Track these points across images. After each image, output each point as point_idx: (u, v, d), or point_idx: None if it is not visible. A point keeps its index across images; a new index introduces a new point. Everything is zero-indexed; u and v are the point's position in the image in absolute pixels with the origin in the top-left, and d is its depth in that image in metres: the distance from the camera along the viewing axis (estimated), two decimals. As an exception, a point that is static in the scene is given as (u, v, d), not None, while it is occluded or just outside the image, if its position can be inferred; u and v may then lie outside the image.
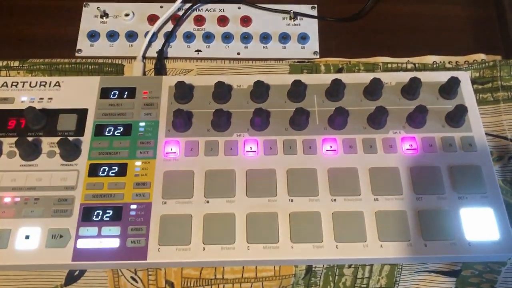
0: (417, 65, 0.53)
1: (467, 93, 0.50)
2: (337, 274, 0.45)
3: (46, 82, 0.50)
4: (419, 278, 0.45)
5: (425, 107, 0.46)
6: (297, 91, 0.49)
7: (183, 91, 0.48)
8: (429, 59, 0.54)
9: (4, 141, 0.47)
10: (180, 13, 0.57)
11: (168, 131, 0.48)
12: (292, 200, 0.44)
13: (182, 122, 0.47)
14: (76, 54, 0.55)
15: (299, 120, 0.47)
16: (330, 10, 0.58)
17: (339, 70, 0.53)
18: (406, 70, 0.53)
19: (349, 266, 0.45)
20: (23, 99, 0.49)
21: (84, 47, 0.55)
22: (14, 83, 0.50)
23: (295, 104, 0.49)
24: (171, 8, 0.56)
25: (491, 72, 0.53)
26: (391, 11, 0.58)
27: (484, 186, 0.45)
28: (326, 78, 0.50)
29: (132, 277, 0.44)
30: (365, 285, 0.45)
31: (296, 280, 0.45)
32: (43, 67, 0.53)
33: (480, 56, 0.54)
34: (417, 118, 0.47)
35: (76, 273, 0.45)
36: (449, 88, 0.49)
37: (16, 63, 0.53)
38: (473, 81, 0.52)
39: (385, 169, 0.46)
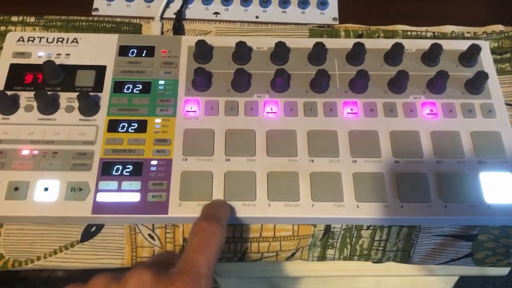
0: (436, 34, 0.53)
1: (486, 62, 0.50)
2: (354, 236, 0.45)
3: (63, 38, 0.49)
4: (436, 242, 0.45)
5: (446, 72, 0.46)
6: (318, 53, 0.48)
7: (203, 51, 0.48)
8: (448, 28, 0.54)
9: (22, 95, 0.46)
10: (198, -25, 0.56)
11: (188, 90, 0.47)
12: (312, 161, 0.44)
13: (202, 80, 0.46)
14: (93, 13, 0.54)
15: (320, 82, 0.47)
16: (350, -22, 0.57)
17: (359, 36, 0.53)
18: (425, 38, 0.53)
19: (367, 228, 0.45)
20: (40, 54, 0.48)
21: (101, 6, 0.54)
22: (30, 38, 0.49)
23: (315, 67, 0.48)
24: (190, -30, 0.55)
25: (510, 43, 0.53)
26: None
27: (504, 152, 0.45)
28: (347, 43, 0.50)
29: (149, 235, 0.44)
30: (382, 248, 0.45)
31: (313, 241, 0.45)
32: (59, 24, 0.52)
33: (499, 27, 0.54)
34: (437, 84, 0.47)
35: (93, 229, 0.44)
36: (470, 56, 0.49)
37: (32, 19, 0.52)
38: (492, 51, 0.52)
39: (406, 133, 0.46)
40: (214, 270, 0.34)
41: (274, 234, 0.44)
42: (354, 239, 0.45)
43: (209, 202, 0.41)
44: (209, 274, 0.33)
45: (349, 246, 0.45)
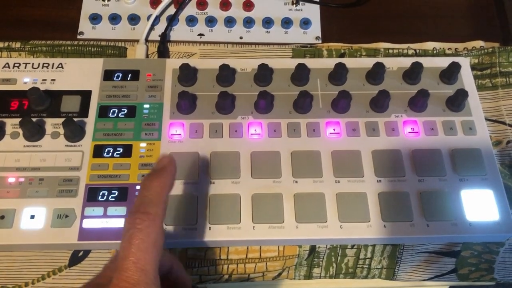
0: (418, 51, 0.54)
1: (467, 79, 0.51)
2: (339, 254, 0.45)
3: (48, 64, 0.50)
4: (420, 259, 0.46)
5: (427, 91, 0.47)
6: (301, 74, 0.49)
7: (188, 74, 0.48)
8: (429, 45, 0.55)
9: (7, 121, 0.46)
10: (183, -3, 0.57)
11: (173, 113, 0.48)
12: (296, 182, 0.45)
13: (187, 104, 0.47)
14: (78, 37, 0.54)
15: (303, 103, 0.47)
16: (332, -4, 0.58)
17: (341, 55, 0.54)
18: (407, 55, 0.54)
19: (352, 247, 0.46)
20: (25, 80, 0.49)
21: (86, 29, 0.55)
22: (16, 64, 0.50)
23: (298, 88, 0.49)
24: (174, -8, 0.56)
25: (490, 59, 0.53)
26: (391, -2, 0.59)
27: (484, 169, 0.46)
28: (329, 63, 0.51)
29: (136, 258, 0.45)
30: (367, 266, 0.45)
31: (299, 261, 0.45)
32: (45, 49, 0.52)
33: (479, 43, 0.55)
34: (419, 102, 0.48)
35: (81, 253, 0.45)
36: (450, 73, 0.50)
37: (18, 45, 0.52)
38: (472, 67, 0.53)
39: (388, 152, 0.46)
40: (156, 265, 0.30)
41: (260, 255, 0.45)
42: (339, 257, 0.45)
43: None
44: (144, 278, 0.29)
45: (334, 265, 0.45)
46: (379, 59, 0.51)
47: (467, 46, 0.55)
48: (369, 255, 0.46)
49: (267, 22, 0.55)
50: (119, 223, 0.42)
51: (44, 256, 0.44)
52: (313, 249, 0.45)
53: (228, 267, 0.45)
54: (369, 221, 0.43)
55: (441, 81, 0.50)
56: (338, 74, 0.49)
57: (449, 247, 0.46)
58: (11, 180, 0.44)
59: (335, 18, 0.57)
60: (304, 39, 0.55)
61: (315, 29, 0.56)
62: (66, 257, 0.44)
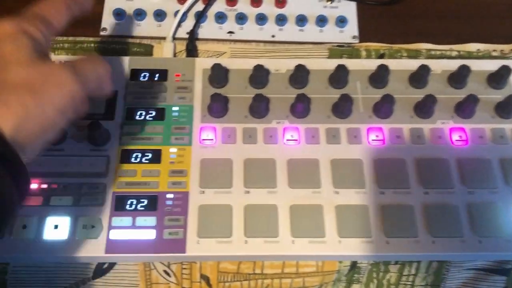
0: (461, 52, 0.51)
1: (516, 83, 0.47)
2: (382, 270, 0.43)
3: (71, 62, 0.47)
4: (468, 276, 0.43)
5: (476, 96, 0.44)
6: (340, 76, 0.46)
7: (219, 74, 0.45)
8: (473, 46, 0.52)
9: (28, 123, 0.43)
10: (211, -8, 0.54)
11: (204, 116, 0.45)
12: (337, 192, 0.42)
13: (219, 107, 0.44)
14: (101, 33, 0.51)
15: (344, 107, 0.44)
16: (369, -7, 0.55)
17: (381, 56, 0.51)
18: (450, 57, 0.51)
19: (396, 263, 0.43)
20: (46, 79, 0.46)
21: (109, 25, 0.52)
22: (36, 62, 0.47)
23: (337, 91, 0.46)
24: (202, -13, 0.53)
25: (539, 61, 0.50)
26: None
27: (539, 181, 0.42)
28: (370, 64, 0.47)
29: (165, 271, 0.42)
30: (410, 283, 0.42)
31: (338, 277, 0.42)
32: (66, 45, 0.49)
33: (526, 45, 0.52)
34: (467, 108, 0.45)
35: (106, 265, 0.42)
36: (499, 77, 0.46)
37: (38, 41, 0.49)
38: (521, 71, 0.49)
39: (434, 161, 0.43)
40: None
41: (297, 270, 0.42)
42: (381, 274, 0.42)
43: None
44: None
45: (375, 281, 0.42)
46: (422, 61, 0.48)
47: (513, 47, 0.52)
48: (413, 271, 0.43)
49: (301, 20, 0.52)
50: (149, 234, 0.39)
51: (67, 267, 0.41)
52: (354, 265, 0.42)
53: (263, 282, 0.42)
54: (417, 237, 0.40)
55: (488, 85, 0.47)
56: (380, 77, 0.46)
57: (499, 264, 0.43)
58: (33, 186, 0.41)
59: (372, 16, 0.54)
60: (340, 38, 0.52)
61: (352, 28, 0.53)
62: (90, 269, 0.41)
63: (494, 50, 0.52)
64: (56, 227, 0.39)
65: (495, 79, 0.47)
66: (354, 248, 0.40)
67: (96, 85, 0.34)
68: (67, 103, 0.31)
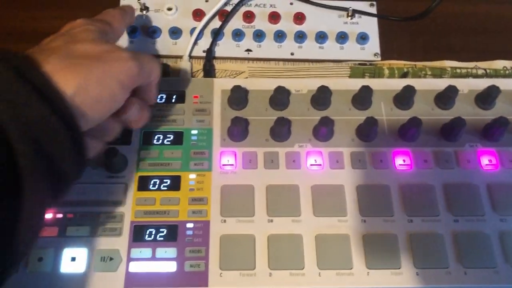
0: (487, 70, 0.49)
1: (546, 103, 0.46)
2: (410, 301, 0.41)
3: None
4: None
5: (506, 119, 0.42)
6: (364, 98, 0.44)
7: (239, 96, 0.44)
8: (499, 64, 0.50)
9: (42, 148, 0.42)
10: (228, 8, 0.52)
11: (223, 140, 0.43)
12: (364, 221, 0.40)
13: (240, 130, 0.42)
14: (115, 52, 0.50)
15: (369, 131, 0.43)
16: (389, 9, 0.53)
17: (404, 75, 0.49)
18: (476, 76, 0.49)
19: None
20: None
21: (123, 43, 0.50)
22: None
23: (361, 112, 0.45)
24: (219, 3, 0.51)
25: None
26: (454, 12, 0.54)
27: None
28: (394, 84, 0.46)
29: (184, 301, 0.40)
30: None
31: (365, 307, 0.41)
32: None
33: (553, 62, 0.50)
34: (496, 131, 0.43)
35: (123, 296, 0.40)
36: (529, 98, 0.45)
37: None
38: (549, 89, 0.48)
39: (464, 186, 0.42)
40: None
41: (323, 301, 0.40)
42: (409, 304, 0.41)
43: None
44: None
45: (403, 312, 0.41)
46: (447, 80, 0.47)
47: (540, 65, 0.50)
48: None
49: (321, 37, 0.50)
50: (169, 266, 0.38)
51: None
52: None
53: (286, 313, 0.40)
54: (447, 267, 0.38)
55: (517, 106, 0.46)
56: (406, 98, 0.44)
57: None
58: (48, 216, 0.39)
59: (394, 32, 0.52)
60: (362, 55, 0.50)
61: (373, 45, 0.51)
62: (107, 300, 0.40)
63: (521, 68, 0.50)
64: (73, 259, 0.38)
65: (525, 99, 0.45)
66: (383, 280, 0.38)
67: (149, 70, 0.37)
68: (126, 76, 0.34)
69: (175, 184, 0.41)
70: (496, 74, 0.49)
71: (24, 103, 0.27)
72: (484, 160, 0.43)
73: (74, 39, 0.34)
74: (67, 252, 0.38)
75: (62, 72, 0.30)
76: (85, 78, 0.31)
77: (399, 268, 0.38)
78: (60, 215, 0.39)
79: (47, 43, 0.34)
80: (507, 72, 0.49)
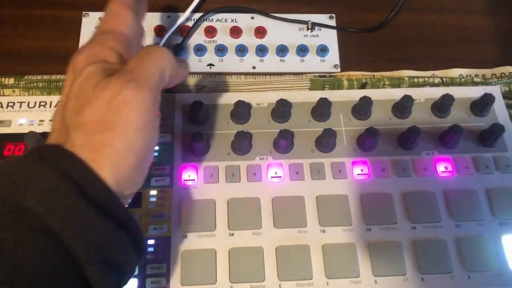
0: (444, 79, 0.51)
1: (499, 110, 0.47)
2: (372, 308, 0.42)
3: (46, 102, 0.46)
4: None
5: (461, 127, 0.44)
6: (323, 110, 0.45)
7: (200, 112, 0.44)
8: (455, 72, 0.52)
9: None
10: (189, 23, 0.53)
11: (184, 155, 0.44)
12: (324, 231, 0.41)
13: (200, 146, 0.43)
14: (77, 69, 0.50)
15: (328, 142, 0.43)
16: (348, 21, 0.54)
17: (363, 85, 0.50)
18: (433, 84, 0.50)
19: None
20: (21, 122, 0.44)
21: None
22: (10, 104, 0.45)
23: (320, 124, 0.45)
24: (180, 19, 0.52)
25: (522, 86, 0.50)
26: (411, 22, 0.55)
27: (526, 211, 0.42)
28: (352, 95, 0.47)
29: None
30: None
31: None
32: (41, 84, 0.48)
33: (508, 69, 0.52)
34: (451, 139, 0.44)
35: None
36: (483, 105, 0.46)
37: (11, 81, 0.47)
38: (503, 96, 0.49)
39: (421, 194, 0.43)
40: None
41: (286, 312, 0.41)
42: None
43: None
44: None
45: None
46: (404, 90, 0.48)
47: (495, 72, 0.52)
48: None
49: (282, 50, 0.51)
50: (131, 284, 0.38)
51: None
52: (343, 304, 0.41)
53: (250, 326, 0.40)
54: (405, 274, 0.39)
55: (472, 113, 0.47)
56: (364, 109, 0.45)
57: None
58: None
59: (353, 44, 0.53)
60: (322, 67, 0.51)
61: (333, 57, 0.52)
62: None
63: (476, 75, 0.51)
64: None
65: (478, 107, 0.46)
66: (342, 289, 0.39)
67: (170, 79, 0.33)
68: (143, 116, 0.29)
69: (136, 201, 0.41)
70: (452, 82, 0.50)
71: (88, 223, 0.26)
72: (440, 167, 0.44)
73: (80, 107, 0.29)
74: None
75: (91, 159, 0.28)
76: (115, 158, 0.28)
77: (358, 277, 0.39)
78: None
79: (65, 116, 0.30)
80: (462, 80, 0.51)
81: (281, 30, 0.53)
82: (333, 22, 0.54)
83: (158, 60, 0.32)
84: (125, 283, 0.31)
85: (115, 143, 0.28)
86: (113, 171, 0.28)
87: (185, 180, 0.42)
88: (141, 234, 0.30)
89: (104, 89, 0.29)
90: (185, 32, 0.52)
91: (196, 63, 0.51)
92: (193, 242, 0.40)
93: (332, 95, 0.47)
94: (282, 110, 0.45)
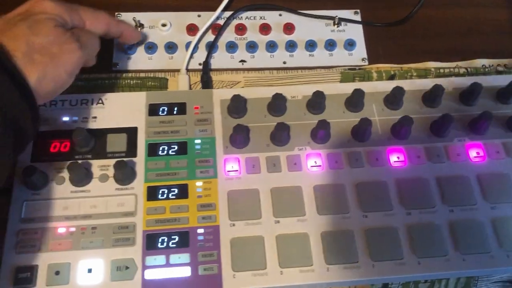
0: (469, 69, 0.52)
1: (524, 97, 0.49)
2: (412, 289, 0.43)
3: (87, 100, 0.47)
4: (495, 288, 0.44)
5: (491, 113, 0.45)
6: (357, 100, 0.47)
7: (239, 105, 0.46)
8: (478, 62, 0.53)
9: (50, 166, 0.43)
10: (220, 22, 0.54)
11: (226, 147, 0.45)
12: (366, 216, 0.42)
13: (241, 138, 0.44)
14: (113, 68, 0.51)
15: (364, 132, 0.45)
16: (373, 16, 0.56)
17: (392, 77, 0.52)
18: (458, 75, 0.52)
19: (425, 281, 0.43)
20: (64, 119, 0.45)
21: (121, 60, 0.52)
22: (52, 102, 0.46)
23: (354, 114, 0.47)
24: (211, 18, 0.53)
25: (543, 74, 0.52)
26: (434, 16, 0.57)
27: (557, 192, 0.44)
28: (383, 86, 0.48)
29: (198, 306, 0.42)
30: (440, 299, 0.43)
31: (371, 298, 0.43)
32: (80, 83, 0.49)
33: (528, 58, 0.54)
34: (482, 125, 0.46)
35: (138, 305, 0.41)
36: (509, 93, 0.48)
37: (52, 80, 0.49)
38: (526, 84, 0.51)
39: (456, 178, 0.44)
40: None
41: (331, 294, 0.42)
42: (412, 292, 0.43)
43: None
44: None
45: (406, 300, 0.43)
46: (434, 80, 0.50)
47: (516, 62, 0.54)
48: (443, 287, 0.43)
49: (310, 45, 0.53)
50: (184, 272, 0.39)
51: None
52: (385, 286, 0.43)
53: (297, 310, 0.42)
54: (446, 255, 0.41)
55: (498, 101, 0.49)
56: (397, 99, 0.47)
57: (525, 276, 0.44)
58: (61, 230, 0.40)
59: (379, 38, 0.55)
60: (350, 61, 0.53)
61: (361, 50, 0.54)
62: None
63: (499, 65, 0.53)
64: (89, 270, 0.39)
65: (505, 94, 0.48)
66: (387, 271, 0.40)
67: (92, 51, 0.44)
68: (74, 66, 0.40)
69: (183, 192, 0.42)
70: (476, 72, 0.52)
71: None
72: (472, 153, 0.46)
73: (34, 30, 0.38)
74: (83, 264, 0.39)
75: (26, 67, 0.36)
76: (43, 74, 0.37)
77: (402, 259, 0.41)
78: (73, 229, 0.40)
79: (10, 24, 0.38)
80: (486, 69, 0.53)
81: (309, 26, 0.55)
82: (358, 17, 0.56)
83: (94, 41, 0.43)
84: (22, 143, 0.38)
85: (48, 68, 0.37)
86: (37, 77, 0.37)
87: (228, 171, 0.44)
88: (38, 116, 0.38)
89: (63, 33, 0.39)
90: (216, 30, 0.53)
91: (228, 60, 0.52)
92: (241, 230, 0.41)
93: (364, 86, 0.48)
94: (318, 101, 0.46)
